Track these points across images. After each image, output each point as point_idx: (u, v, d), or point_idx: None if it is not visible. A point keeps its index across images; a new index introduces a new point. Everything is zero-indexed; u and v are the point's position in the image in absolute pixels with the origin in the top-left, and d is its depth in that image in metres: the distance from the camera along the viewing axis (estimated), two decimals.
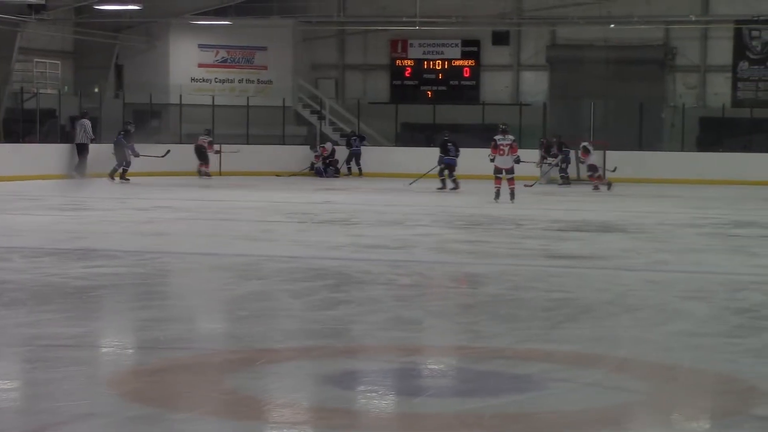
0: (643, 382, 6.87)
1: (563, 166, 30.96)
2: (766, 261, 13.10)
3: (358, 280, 11.09)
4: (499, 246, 14.50)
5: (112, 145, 29.34)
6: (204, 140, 32.05)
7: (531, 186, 27.62)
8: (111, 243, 14.17)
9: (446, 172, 27.35)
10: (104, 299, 10.12)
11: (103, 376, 6.82)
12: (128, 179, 28.78)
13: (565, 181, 30.60)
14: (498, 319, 9.04)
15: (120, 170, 28.95)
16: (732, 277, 11.63)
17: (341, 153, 34.85)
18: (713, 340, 8.24)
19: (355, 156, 34.71)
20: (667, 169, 32.12)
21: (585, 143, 29.39)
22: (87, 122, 30.07)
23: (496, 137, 22.93)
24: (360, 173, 34.39)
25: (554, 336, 8.32)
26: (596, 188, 27.83)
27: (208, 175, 31.89)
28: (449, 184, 27.33)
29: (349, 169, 34.67)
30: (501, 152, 22.71)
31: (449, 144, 27.41)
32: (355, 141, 34.96)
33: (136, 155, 29.09)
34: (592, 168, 28.63)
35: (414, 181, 29.09)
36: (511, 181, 22.60)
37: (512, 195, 22.45)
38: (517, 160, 23.20)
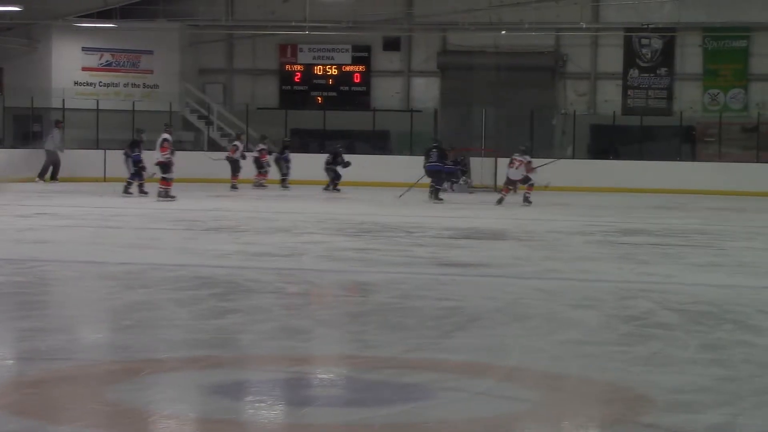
0: (532, 392, 6.86)
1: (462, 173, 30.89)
2: (654, 269, 13.21)
3: (246, 289, 10.97)
4: (388, 254, 14.43)
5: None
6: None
7: (401, 196, 26.81)
8: None
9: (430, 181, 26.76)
10: None
11: None
12: None
13: (469, 188, 30.54)
14: (387, 327, 8.99)
15: None
16: (621, 285, 11.70)
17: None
18: (602, 348, 8.26)
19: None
20: (557, 177, 32.06)
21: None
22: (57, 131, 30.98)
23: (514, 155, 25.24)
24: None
25: (444, 345, 8.28)
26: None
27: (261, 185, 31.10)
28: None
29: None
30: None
31: (432, 150, 26.75)
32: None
33: None
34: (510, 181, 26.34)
35: (403, 194, 27.10)
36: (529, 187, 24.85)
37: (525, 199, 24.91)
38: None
